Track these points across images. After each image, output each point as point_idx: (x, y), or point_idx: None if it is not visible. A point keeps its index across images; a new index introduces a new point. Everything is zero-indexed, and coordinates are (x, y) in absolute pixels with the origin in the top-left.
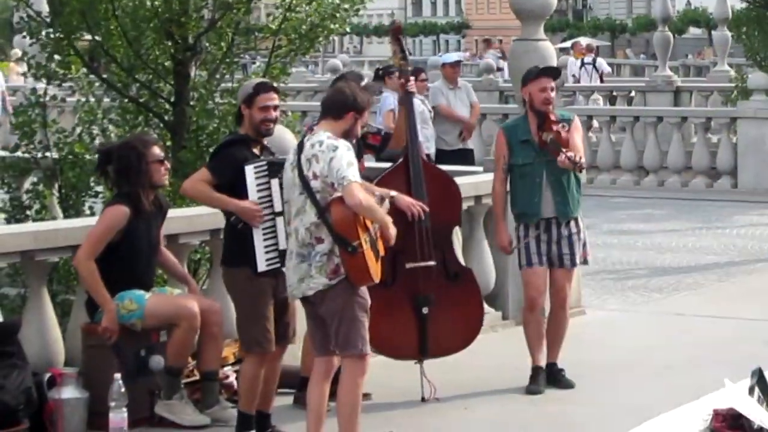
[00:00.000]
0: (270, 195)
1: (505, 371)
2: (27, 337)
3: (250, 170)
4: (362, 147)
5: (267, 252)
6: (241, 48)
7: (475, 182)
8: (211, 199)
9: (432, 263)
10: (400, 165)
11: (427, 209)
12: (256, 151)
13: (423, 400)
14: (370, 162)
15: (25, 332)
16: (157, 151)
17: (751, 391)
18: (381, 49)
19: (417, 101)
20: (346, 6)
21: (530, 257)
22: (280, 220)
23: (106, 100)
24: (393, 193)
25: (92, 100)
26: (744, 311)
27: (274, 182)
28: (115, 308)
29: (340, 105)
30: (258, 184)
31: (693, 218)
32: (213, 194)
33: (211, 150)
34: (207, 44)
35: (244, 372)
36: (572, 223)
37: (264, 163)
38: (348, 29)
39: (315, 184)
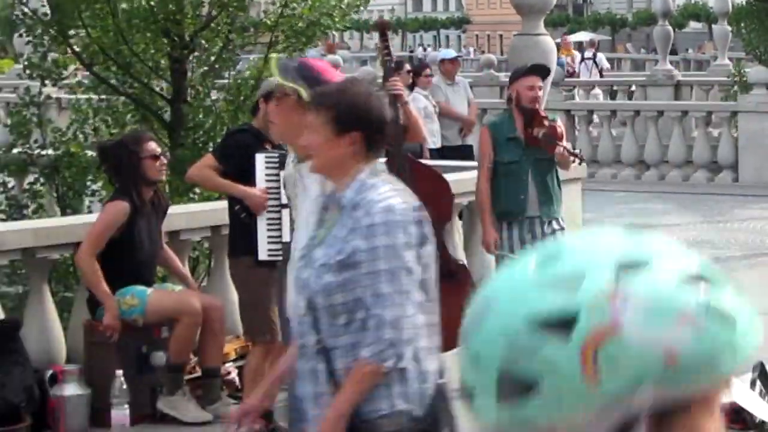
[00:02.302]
0: (278, 186)
1: None
2: (28, 335)
3: (260, 158)
4: None
5: (270, 242)
6: (237, 45)
7: (475, 178)
8: (217, 185)
9: None
10: (385, 164)
11: None
12: (267, 147)
13: None
14: None
15: (27, 329)
16: (151, 146)
17: (752, 384)
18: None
19: (421, 96)
20: (343, 5)
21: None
22: (285, 212)
23: (98, 97)
24: None
25: (83, 97)
26: None
27: (283, 174)
28: (116, 305)
29: None
30: (267, 174)
31: (694, 212)
32: (219, 180)
33: (208, 147)
34: (203, 42)
35: (249, 364)
36: (554, 223)
37: (276, 154)
38: (348, 25)
39: None
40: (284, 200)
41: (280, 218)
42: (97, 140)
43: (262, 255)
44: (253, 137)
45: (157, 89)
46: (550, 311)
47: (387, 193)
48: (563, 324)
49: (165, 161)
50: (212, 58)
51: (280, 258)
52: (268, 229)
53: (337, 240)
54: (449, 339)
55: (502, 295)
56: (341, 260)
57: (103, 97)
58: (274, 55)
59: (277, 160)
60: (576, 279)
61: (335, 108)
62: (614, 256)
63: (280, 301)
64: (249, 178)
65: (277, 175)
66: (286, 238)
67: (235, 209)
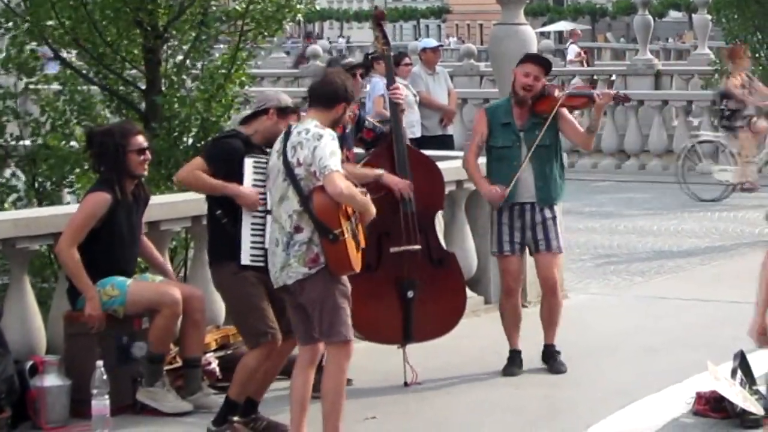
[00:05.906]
0: (265, 192)
1: (488, 355)
2: (8, 325)
3: (249, 163)
4: (352, 138)
5: (253, 247)
6: (211, 35)
7: (456, 167)
8: (209, 185)
9: (417, 247)
10: (384, 149)
11: (411, 192)
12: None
13: (406, 385)
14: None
15: (7, 320)
16: (138, 140)
17: (733, 373)
18: (362, 35)
19: (401, 86)
20: None
21: (502, 244)
22: (270, 219)
23: (69, 88)
24: (380, 171)
25: (54, 88)
26: (726, 294)
27: (269, 165)
28: (97, 295)
29: (332, 96)
30: (254, 179)
31: (674, 202)
32: (210, 180)
33: (184, 138)
34: (176, 32)
35: (246, 363)
36: (547, 210)
37: (264, 159)
38: (317, 7)
39: (299, 171)
40: (270, 206)
41: (264, 224)
42: (91, 125)
43: (245, 260)
44: (243, 143)
45: (131, 80)
46: None
47: None
48: None
49: (149, 156)
50: (186, 48)
51: (263, 263)
52: (252, 234)
53: None
54: (440, 324)
55: None
56: None
57: (78, 87)
58: None
59: (265, 164)
60: None
61: None
62: None
63: (277, 300)
64: (239, 181)
65: (264, 180)
66: (267, 244)
67: (216, 214)
